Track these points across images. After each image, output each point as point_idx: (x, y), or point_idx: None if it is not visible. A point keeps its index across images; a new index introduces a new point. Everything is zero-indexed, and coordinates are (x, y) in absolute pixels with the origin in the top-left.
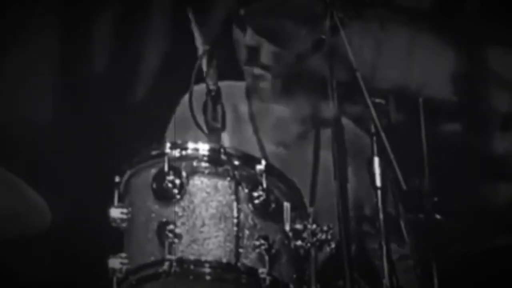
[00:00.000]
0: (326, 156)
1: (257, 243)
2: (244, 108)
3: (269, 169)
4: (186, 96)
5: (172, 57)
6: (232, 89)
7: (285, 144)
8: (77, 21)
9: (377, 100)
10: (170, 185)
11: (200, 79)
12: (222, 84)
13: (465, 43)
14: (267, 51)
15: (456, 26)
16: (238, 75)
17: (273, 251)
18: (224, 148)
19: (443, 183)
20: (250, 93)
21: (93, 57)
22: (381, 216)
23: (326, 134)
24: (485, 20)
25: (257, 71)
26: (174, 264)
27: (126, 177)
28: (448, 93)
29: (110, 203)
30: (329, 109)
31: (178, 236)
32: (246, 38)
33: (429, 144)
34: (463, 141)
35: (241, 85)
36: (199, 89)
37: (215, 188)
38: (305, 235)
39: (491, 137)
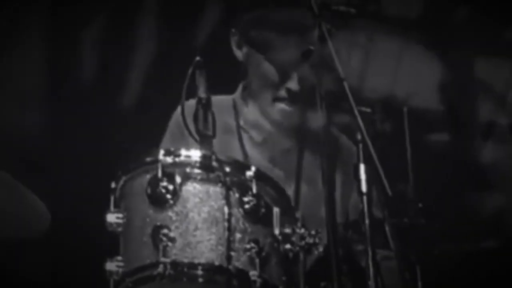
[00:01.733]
0: (310, 165)
1: (248, 246)
2: (231, 121)
3: (259, 175)
4: (176, 112)
5: (160, 62)
6: (220, 103)
7: (273, 160)
8: (66, 28)
9: (364, 109)
10: (163, 190)
11: (191, 95)
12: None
13: (452, 53)
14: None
15: (444, 37)
16: (225, 89)
17: (263, 254)
18: (216, 155)
19: (428, 190)
20: (238, 108)
21: (82, 62)
22: (366, 221)
23: (311, 143)
24: (472, 30)
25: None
26: (168, 266)
27: (121, 183)
28: (435, 103)
29: (106, 209)
30: (316, 119)
31: (172, 239)
32: (292, 84)
33: (415, 152)
34: (449, 150)
35: (228, 99)
36: (191, 104)
37: (207, 193)
38: (294, 239)
39: (477, 146)
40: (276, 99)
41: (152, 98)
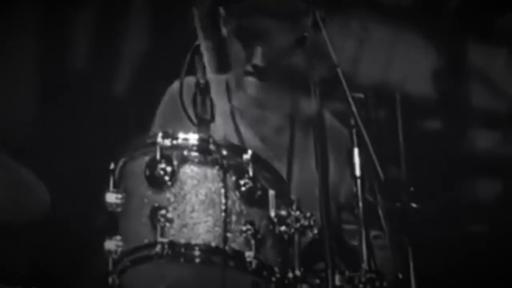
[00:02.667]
0: (303, 147)
1: (244, 228)
2: (224, 102)
3: (255, 159)
4: (171, 88)
5: (151, 51)
6: (212, 82)
7: (264, 139)
8: (56, 18)
9: (357, 95)
10: (162, 172)
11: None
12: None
13: (445, 41)
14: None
15: (437, 24)
16: (219, 69)
17: (259, 235)
18: (213, 138)
19: (420, 176)
20: (230, 88)
21: (73, 52)
22: (360, 204)
23: (303, 126)
24: (465, 17)
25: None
26: (166, 247)
27: (120, 164)
28: (428, 90)
29: (105, 189)
30: (309, 104)
31: (170, 220)
32: (256, 59)
33: (408, 138)
34: (441, 137)
35: (222, 79)
36: (187, 81)
37: (204, 176)
38: (289, 221)
39: (470, 133)
40: (245, 72)
41: (145, 85)
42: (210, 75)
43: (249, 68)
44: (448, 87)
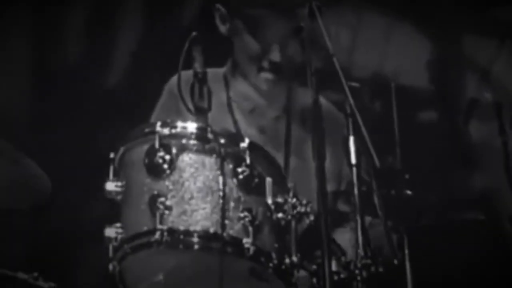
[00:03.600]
0: (299, 136)
1: (242, 215)
2: (222, 94)
3: (252, 147)
4: (169, 83)
5: (144, 45)
6: (212, 77)
7: (262, 129)
8: (50, 14)
9: (353, 84)
10: (160, 160)
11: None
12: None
13: (439, 31)
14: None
15: (432, 15)
16: (216, 63)
17: (256, 222)
18: (211, 127)
19: (414, 166)
20: (228, 80)
21: (67, 46)
22: (356, 191)
23: (300, 116)
24: (458, 8)
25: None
26: (165, 233)
27: (120, 153)
28: (423, 81)
29: (105, 177)
30: (305, 94)
31: (169, 208)
32: (273, 55)
33: (403, 129)
34: (436, 128)
35: (218, 71)
36: (184, 75)
37: (203, 164)
38: (285, 208)
39: (465, 124)
40: (261, 69)
41: (140, 76)
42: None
43: (266, 64)
44: (442, 78)
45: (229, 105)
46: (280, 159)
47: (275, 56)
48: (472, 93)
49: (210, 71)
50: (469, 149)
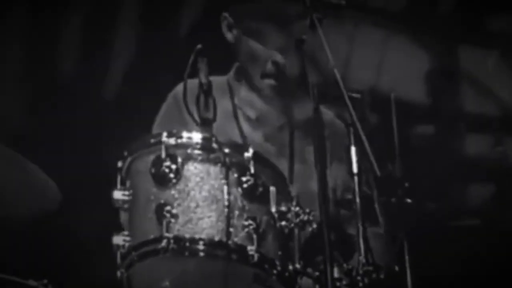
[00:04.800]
0: (302, 145)
1: (246, 223)
2: (227, 102)
3: (256, 156)
4: (174, 92)
5: (143, 52)
6: (215, 84)
7: (267, 137)
8: (46, 19)
9: (353, 94)
10: (167, 170)
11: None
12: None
13: (436, 44)
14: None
15: (429, 27)
16: (220, 71)
17: (261, 230)
18: (216, 137)
19: (413, 175)
20: (232, 87)
21: (61, 56)
22: (357, 199)
23: (302, 124)
24: (456, 20)
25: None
26: (172, 241)
27: (127, 162)
28: (420, 94)
29: (113, 186)
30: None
31: (175, 216)
32: (277, 56)
33: (401, 138)
34: (433, 140)
35: (222, 80)
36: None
37: (208, 173)
38: (289, 216)
39: (461, 136)
40: (264, 75)
41: (135, 88)
42: (211, 78)
43: (269, 66)
44: (439, 90)
45: (234, 113)
46: (284, 166)
47: (278, 57)
48: (469, 106)
49: (213, 79)
50: (466, 161)
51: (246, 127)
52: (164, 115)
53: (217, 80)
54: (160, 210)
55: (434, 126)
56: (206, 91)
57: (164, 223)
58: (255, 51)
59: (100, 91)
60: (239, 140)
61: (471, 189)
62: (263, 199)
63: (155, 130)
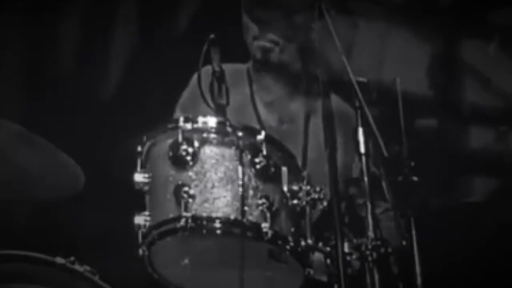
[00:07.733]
0: (316, 127)
1: (260, 202)
2: (246, 88)
3: (268, 139)
4: (192, 80)
5: (140, 51)
6: (235, 71)
7: (282, 120)
8: (44, 22)
9: (360, 79)
10: (184, 153)
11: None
12: (226, 66)
13: (439, 37)
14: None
15: (431, 20)
16: (239, 59)
17: (274, 208)
18: (230, 121)
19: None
20: (251, 74)
21: (61, 55)
22: (365, 178)
23: (315, 109)
24: (458, 13)
25: (268, 44)
26: (190, 220)
27: (146, 147)
28: (423, 87)
29: (134, 169)
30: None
31: (192, 196)
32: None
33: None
34: (436, 133)
35: (241, 67)
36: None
37: (223, 155)
38: (300, 195)
39: (464, 129)
40: (254, 38)
41: (135, 83)
42: (229, 65)
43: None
44: (441, 82)
45: (252, 98)
46: (298, 147)
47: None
48: (471, 98)
49: (233, 66)
50: (471, 156)
51: (262, 111)
52: (183, 105)
53: (237, 67)
54: (178, 191)
55: (436, 118)
56: (218, 78)
57: (182, 203)
58: (250, 28)
59: (97, 88)
60: (256, 123)
61: (474, 182)
62: (276, 179)
63: (178, 113)
